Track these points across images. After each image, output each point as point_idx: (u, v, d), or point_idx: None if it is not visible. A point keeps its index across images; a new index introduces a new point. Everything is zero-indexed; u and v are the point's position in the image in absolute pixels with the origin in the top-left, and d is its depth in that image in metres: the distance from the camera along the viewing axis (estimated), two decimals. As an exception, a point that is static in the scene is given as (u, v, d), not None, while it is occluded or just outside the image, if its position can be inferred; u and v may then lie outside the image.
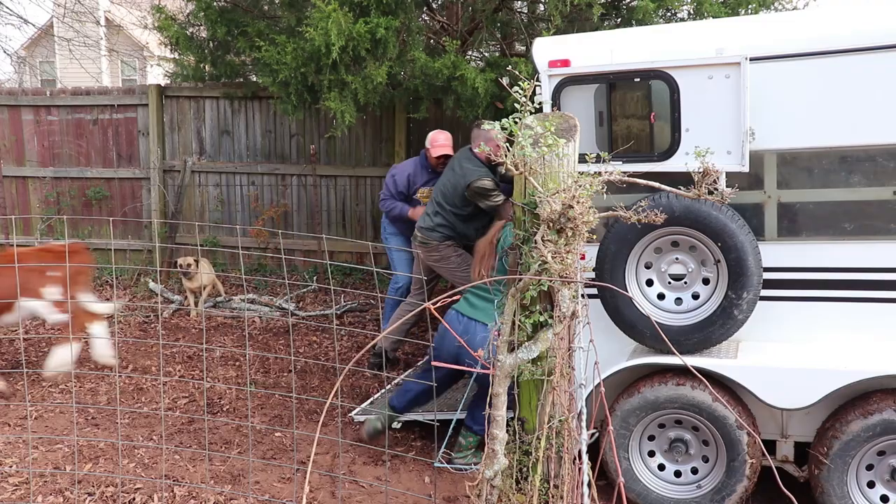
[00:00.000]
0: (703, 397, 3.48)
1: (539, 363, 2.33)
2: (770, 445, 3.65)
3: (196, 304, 7.13)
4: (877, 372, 3.25)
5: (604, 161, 2.35)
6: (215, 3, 6.67)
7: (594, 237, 2.37)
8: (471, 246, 4.27)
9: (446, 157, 5.48)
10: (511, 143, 2.27)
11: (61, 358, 5.02)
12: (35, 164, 8.29)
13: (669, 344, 2.07)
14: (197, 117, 8.03)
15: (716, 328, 3.49)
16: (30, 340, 6.16)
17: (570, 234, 2.19)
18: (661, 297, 3.67)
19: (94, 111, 8.13)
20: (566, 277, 2.18)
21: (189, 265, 6.88)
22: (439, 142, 5.51)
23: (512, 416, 2.45)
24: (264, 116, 7.88)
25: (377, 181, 7.75)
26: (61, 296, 5.06)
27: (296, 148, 7.89)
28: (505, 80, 2.38)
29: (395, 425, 4.65)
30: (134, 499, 3.72)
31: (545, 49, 3.79)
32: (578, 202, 2.16)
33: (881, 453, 3.35)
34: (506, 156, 2.21)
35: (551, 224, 2.20)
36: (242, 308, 6.96)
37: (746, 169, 3.42)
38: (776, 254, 3.57)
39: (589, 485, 2.03)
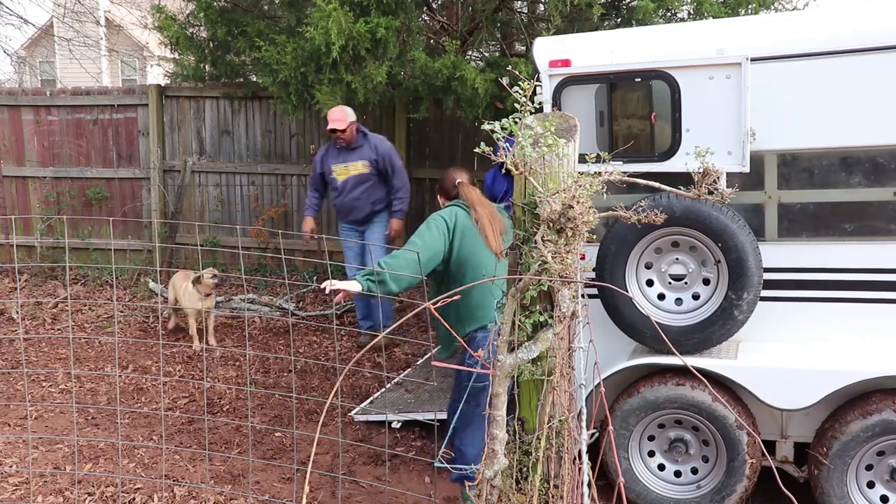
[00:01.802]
0: (703, 397, 3.48)
1: (539, 363, 2.32)
2: (770, 446, 3.64)
3: (198, 331, 6.07)
4: (876, 372, 3.25)
5: (604, 161, 2.35)
6: (215, 3, 6.68)
7: (594, 237, 2.37)
8: None
9: (334, 131, 5.62)
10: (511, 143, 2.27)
11: None
12: (35, 164, 8.28)
13: (669, 344, 2.07)
14: (197, 117, 8.03)
15: (716, 328, 3.49)
16: (30, 340, 6.16)
17: (570, 234, 2.19)
18: (661, 297, 3.67)
19: (94, 111, 8.13)
20: (566, 277, 2.18)
21: (214, 276, 5.97)
22: (333, 115, 5.62)
23: (511, 416, 2.45)
24: (264, 116, 7.88)
25: (377, 181, 7.75)
26: None
27: (296, 148, 7.89)
28: (505, 80, 2.38)
29: (395, 425, 4.65)
30: (134, 499, 3.72)
31: (546, 49, 3.79)
32: (578, 202, 2.15)
33: (881, 453, 3.34)
34: (505, 156, 2.21)
35: (551, 224, 2.20)
36: (242, 308, 6.96)
37: (747, 169, 3.42)
38: (776, 254, 3.57)
39: (589, 485, 2.03)
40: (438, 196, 3.67)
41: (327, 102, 5.70)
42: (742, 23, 4.16)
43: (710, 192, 2.35)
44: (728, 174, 3.42)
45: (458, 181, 3.55)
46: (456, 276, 3.30)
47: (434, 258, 3.21)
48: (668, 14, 6.09)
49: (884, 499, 3.37)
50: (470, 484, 2.34)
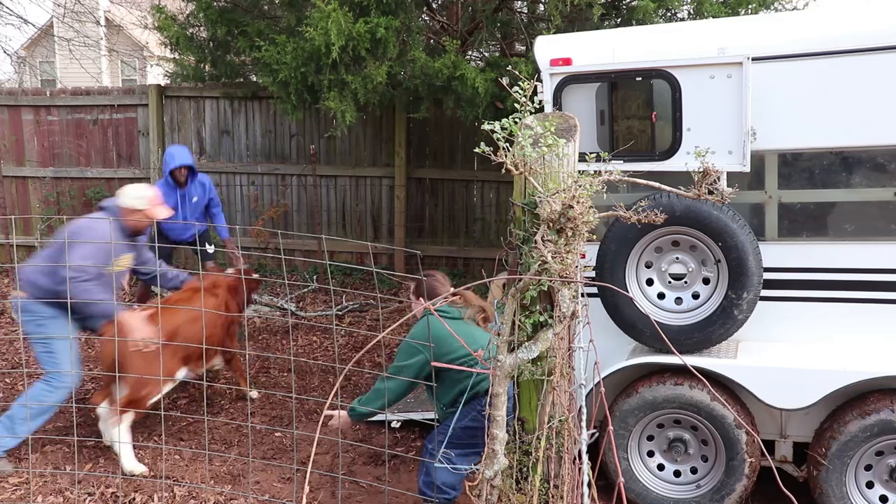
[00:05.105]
0: (702, 397, 3.48)
1: (539, 363, 2.32)
2: (769, 445, 3.64)
3: None
4: (875, 373, 3.25)
5: (604, 160, 2.35)
6: (215, 3, 6.67)
7: (594, 237, 2.37)
8: None
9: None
10: (511, 142, 2.27)
11: None
12: (35, 164, 8.28)
13: (669, 343, 2.07)
14: (197, 117, 8.03)
15: (716, 328, 3.49)
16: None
17: (570, 234, 2.19)
18: (661, 296, 3.67)
19: (94, 111, 8.13)
20: (566, 277, 2.18)
21: None
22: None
23: (511, 416, 2.45)
24: (264, 116, 7.88)
25: (377, 181, 7.75)
26: None
27: (296, 148, 7.89)
28: (505, 80, 2.38)
29: (395, 425, 4.65)
30: (134, 499, 3.72)
31: (547, 48, 3.79)
32: (578, 202, 2.15)
33: (879, 453, 3.34)
34: (505, 156, 2.21)
35: (551, 224, 2.20)
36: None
37: (747, 169, 3.42)
38: (776, 254, 3.57)
39: (589, 485, 2.03)
40: (418, 297, 3.54)
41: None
42: (743, 22, 4.16)
43: (711, 192, 2.35)
44: (728, 174, 3.42)
45: (452, 292, 3.40)
46: (444, 369, 3.24)
47: (410, 385, 3.37)
48: (668, 14, 6.09)
49: (883, 499, 3.37)
50: (470, 484, 2.34)
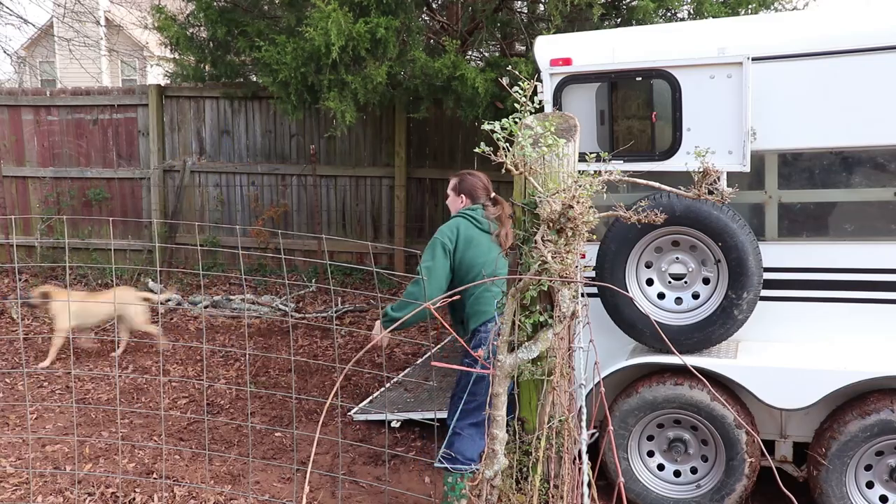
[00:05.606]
0: (702, 396, 3.48)
1: (539, 363, 2.32)
2: (769, 445, 3.64)
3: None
4: (875, 373, 3.25)
5: (604, 160, 2.35)
6: (215, 3, 6.68)
7: (594, 237, 2.37)
8: None
9: None
10: (511, 143, 2.27)
11: None
12: (35, 164, 8.29)
13: (669, 343, 2.07)
14: (197, 117, 8.03)
15: (716, 328, 3.49)
16: (30, 340, 6.16)
17: (570, 234, 2.19)
18: (661, 296, 3.67)
19: (94, 111, 8.13)
20: (566, 277, 2.18)
21: (45, 295, 5.48)
22: None
23: (511, 416, 2.45)
24: (264, 116, 7.88)
25: (377, 181, 7.76)
26: None
27: (296, 148, 7.89)
28: (505, 80, 2.38)
29: (395, 425, 4.65)
30: (134, 499, 3.72)
31: (547, 47, 3.79)
32: (578, 202, 2.15)
33: (879, 453, 3.34)
34: (505, 156, 2.21)
35: (551, 224, 2.19)
36: (243, 308, 6.96)
37: (747, 169, 3.42)
38: (777, 254, 3.57)
39: (589, 485, 2.03)
40: (459, 193, 3.57)
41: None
42: (743, 22, 4.16)
43: (711, 192, 2.35)
44: (728, 174, 3.42)
45: (493, 196, 3.54)
46: (463, 279, 3.39)
47: (442, 285, 3.35)
48: (668, 14, 6.10)
49: (883, 499, 3.37)
50: (470, 483, 2.34)
